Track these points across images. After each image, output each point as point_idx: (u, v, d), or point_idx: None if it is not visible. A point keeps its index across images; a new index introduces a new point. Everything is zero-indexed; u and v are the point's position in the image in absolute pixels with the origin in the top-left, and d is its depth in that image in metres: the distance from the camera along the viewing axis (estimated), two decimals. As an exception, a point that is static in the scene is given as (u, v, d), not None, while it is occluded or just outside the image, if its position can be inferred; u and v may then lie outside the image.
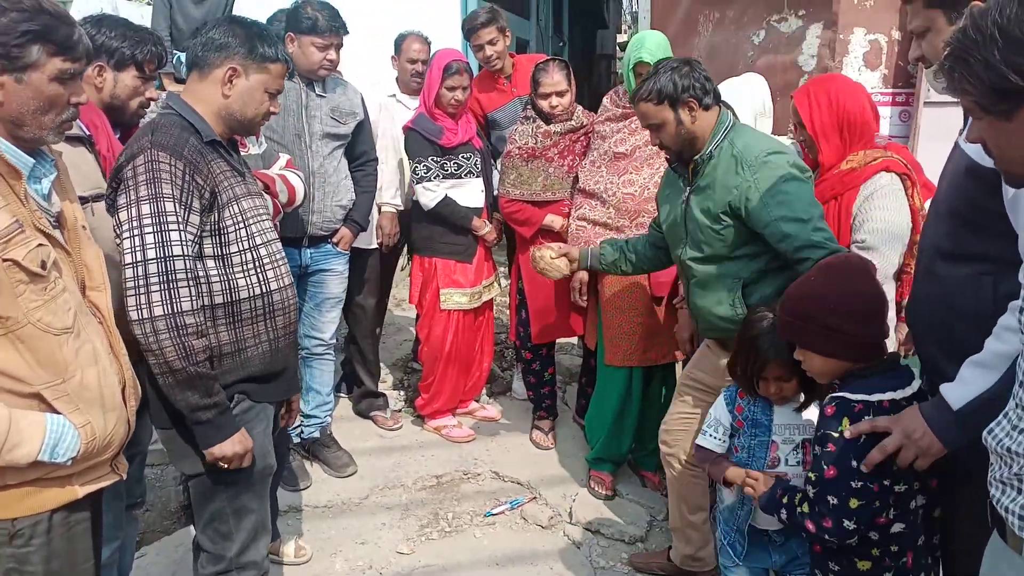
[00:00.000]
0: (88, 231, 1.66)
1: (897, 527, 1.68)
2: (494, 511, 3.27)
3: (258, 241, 1.94)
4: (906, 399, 1.67)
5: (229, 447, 1.83)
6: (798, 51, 4.05)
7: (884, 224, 2.34)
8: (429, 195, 3.67)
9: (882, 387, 1.68)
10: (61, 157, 1.63)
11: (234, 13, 4.53)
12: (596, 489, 3.38)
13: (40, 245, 1.43)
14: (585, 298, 3.40)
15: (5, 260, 1.37)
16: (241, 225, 1.90)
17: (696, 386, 2.61)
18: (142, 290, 1.72)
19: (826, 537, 1.67)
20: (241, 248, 1.90)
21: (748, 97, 2.95)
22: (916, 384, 1.72)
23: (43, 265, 1.42)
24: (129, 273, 1.74)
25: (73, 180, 1.70)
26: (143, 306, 1.72)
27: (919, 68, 3.56)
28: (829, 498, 1.64)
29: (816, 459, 1.69)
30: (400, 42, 4.10)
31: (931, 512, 1.76)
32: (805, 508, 1.71)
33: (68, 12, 1.55)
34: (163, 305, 1.73)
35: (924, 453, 1.57)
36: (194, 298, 1.78)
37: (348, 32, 3.32)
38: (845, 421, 1.64)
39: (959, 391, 1.53)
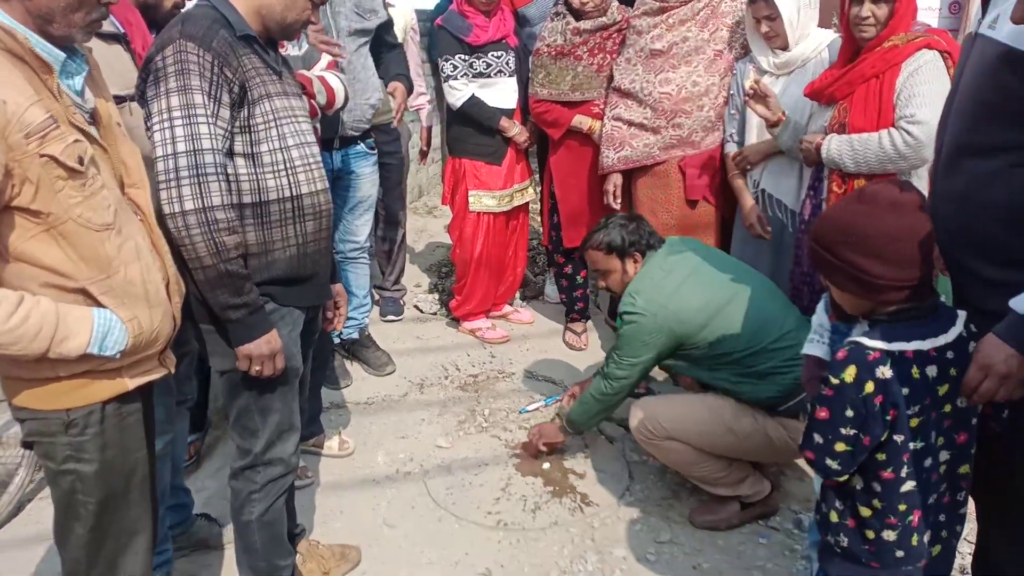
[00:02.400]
0: (123, 128, 1.66)
1: (907, 485, 1.53)
2: (529, 408, 3.36)
3: (290, 142, 1.89)
4: (937, 349, 1.51)
5: (255, 348, 1.84)
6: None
7: (932, 98, 2.33)
8: (456, 94, 3.63)
9: (909, 335, 1.50)
10: (91, 53, 1.61)
11: None
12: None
13: (76, 141, 1.41)
14: (619, 201, 3.38)
15: (42, 156, 1.36)
16: (272, 124, 1.86)
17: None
18: (172, 184, 1.71)
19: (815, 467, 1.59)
20: (272, 148, 1.85)
21: None
22: (954, 332, 1.54)
23: (80, 161, 1.41)
24: (160, 167, 1.72)
25: (108, 79, 1.68)
26: (174, 200, 1.71)
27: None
28: (815, 435, 1.55)
29: (816, 397, 1.57)
30: None
31: (956, 469, 1.59)
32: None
33: None
34: (193, 200, 1.71)
35: (1010, 380, 1.48)
36: (225, 193, 1.76)
37: None
38: (851, 369, 1.49)
39: None
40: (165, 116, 1.72)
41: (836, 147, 2.49)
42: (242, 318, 1.82)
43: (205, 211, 1.72)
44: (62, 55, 1.46)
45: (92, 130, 1.50)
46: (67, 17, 1.42)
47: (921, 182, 2.35)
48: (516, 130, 3.75)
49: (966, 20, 3.96)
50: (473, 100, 3.64)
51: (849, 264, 1.53)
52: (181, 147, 1.71)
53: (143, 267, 1.57)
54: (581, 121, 3.48)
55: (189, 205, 1.71)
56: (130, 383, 1.60)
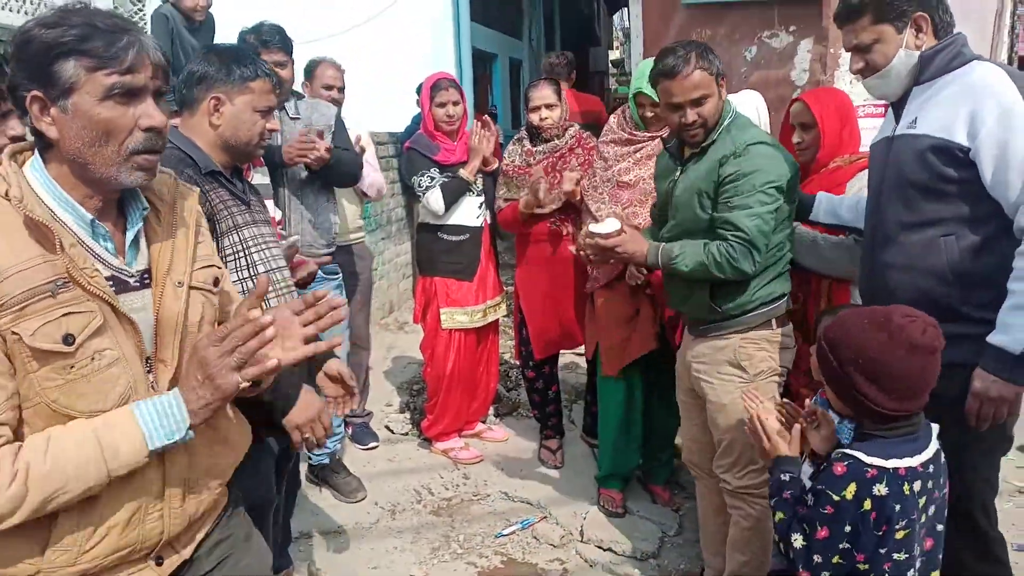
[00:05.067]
0: (183, 290, 1.39)
1: None
2: (505, 532, 3.27)
3: (261, 269, 1.93)
4: (923, 464, 1.56)
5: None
6: (790, 66, 4.11)
7: None
8: (437, 201, 3.67)
9: (901, 451, 1.55)
10: (190, 197, 1.47)
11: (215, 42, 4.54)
12: (606, 507, 3.38)
13: (69, 314, 1.20)
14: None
15: (14, 333, 1.17)
16: (242, 253, 1.89)
17: (682, 397, 2.68)
18: None
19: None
20: (241, 277, 1.89)
21: (747, 111, 3.00)
22: (934, 446, 1.61)
23: (68, 339, 1.19)
24: None
25: None
26: None
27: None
28: (815, 556, 1.57)
29: (811, 513, 1.58)
30: (312, 68, 3.86)
31: (928, 574, 1.65)
32: (797, 543, 1.60)
33: (126, 19, 1.32)
34: None
35: (1004, 401, 1.88)
36: None
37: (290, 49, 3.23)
38: (852, 487, 1.52)
39: (1013, 337, 1.84)
40: None
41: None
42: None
43: None
44: (87, 216, 1.27)
45: (115, 298, 1.26)
46: (98, 154, 1.22)
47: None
48: (475, 163, 3.69)
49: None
50: (444, 183, 3.67)
51: (853, 384, 1.57)
52: None
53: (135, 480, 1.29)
54: (540, 185, 3.43)
55: None
56: None
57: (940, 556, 1.67)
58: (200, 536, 1.45)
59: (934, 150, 1.94)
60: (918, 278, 2.01)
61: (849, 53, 2.13)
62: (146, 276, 1.35)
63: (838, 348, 1.60)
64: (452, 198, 3.69)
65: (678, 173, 2.46)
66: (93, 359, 1.23)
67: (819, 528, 1.55)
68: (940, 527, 1.65)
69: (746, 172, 2.24)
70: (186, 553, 1.41)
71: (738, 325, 2.39)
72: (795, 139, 2.63)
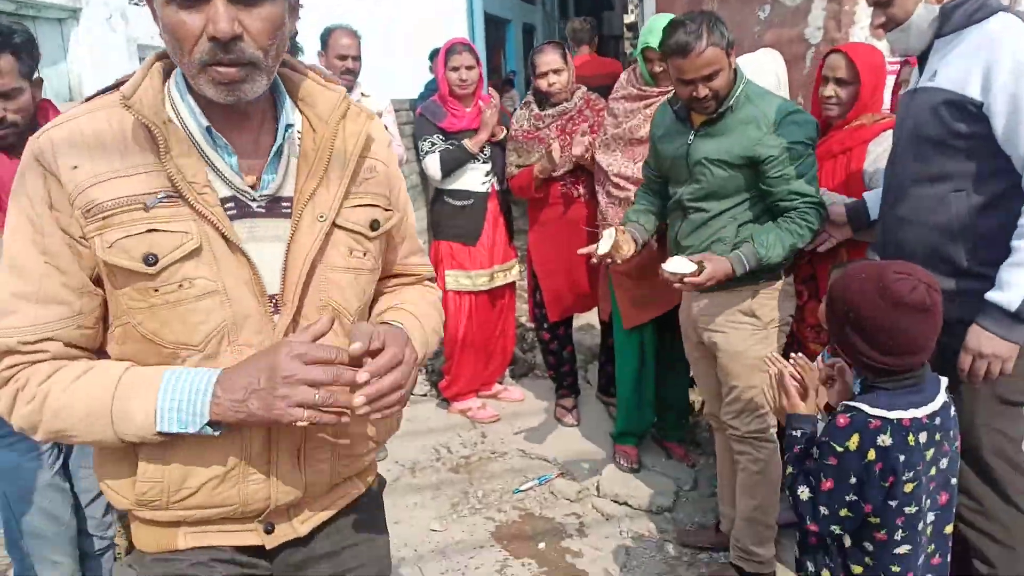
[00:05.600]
0: (324, 225, 1.19)
1: (903, 548, 1.58)
2: (522, 487, 3.35)
3: None
4: (928, 416, 1.56)
5: None
6: (804, 24, 4.07)
7: None
8: (434, 166, 3.75)
9: (906, 403, 1.55)
10: (359, 121, 1.26)
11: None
12: (622, 463, 3.45)
13: (154, 231, 1.07)
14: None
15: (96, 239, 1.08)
16: None
17: (693, 354, 2.73)
18: None
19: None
20: None
21: (766, 73, 3.00)
22: (940, 399, 1.60)
23: (148, 259, 1.07)
24: None
25: None
26: None
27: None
28: (821, 508, 1.58)
29: (816, 465, 1.59)
30: (326, 37, 3.83)
31: (941, 530, 1.65)
32: (804, 495, 1.61)
33: None
34: None
35: (997, 358, 1.89)
36: None
37: None
38: (855, 438, 1.53)
39: (1011, 294, 1.85)
40: None
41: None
42: None
43: None
44: (203, 122, 1.13)
45: (225, 221, 1.11)
46: (181, 64, 1.09)
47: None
48: (484, 133, 3.75)
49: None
50: (444, 150, 3.73)
51: (848, 338, 1.59)
52: None
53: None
54: (554, 149, 3.45)
55: None
56: (182, 540, 1.21)
57: (955, 511, 1.66)
58: (323, 517, 1.30)
59: (947, 104, 1.94)
60: (927, 233, 2.02)
61: (870, 9, 2.12)
62: (285, 204, 1.18)
63: (835, 301, 1.62)
64: (450, 166, 3.74)
65: (691, 137, 2.48)
66: (181, 286, 1.09)
67: (824, 480, 1.56)
68: (954, 480, 1.65)
69: (795, 141, 2.33)
70: (302, 529, 1.27)
71: (754, 281, 2.44)
72: (827, 92, 2.59)
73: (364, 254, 1.25)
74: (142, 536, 1.23)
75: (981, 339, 1.90)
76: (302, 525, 1.27)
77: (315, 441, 1.22)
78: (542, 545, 2.95)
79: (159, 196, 1.08)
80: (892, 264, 1.59)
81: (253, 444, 1.17)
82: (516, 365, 4.63)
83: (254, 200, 1.16)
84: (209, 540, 1.21)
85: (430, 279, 1.51)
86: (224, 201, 1.13)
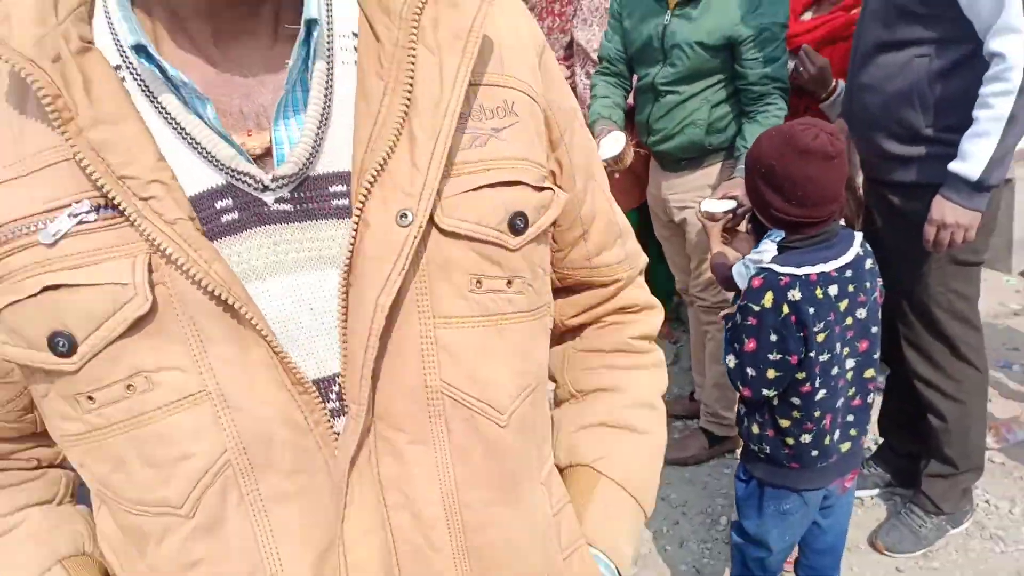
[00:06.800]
0: (412, 230, 0.58)
1: (820, 394, 1.67)
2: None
3: None
4: (837, 269, 1.64)
5: None
6: None
7: None
8: None
9: (814, 259, 1.63)
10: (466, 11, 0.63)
11: None
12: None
13: (56, 288, 0.54)
14: None
15: None
16: None
17: (663, 233, 2.82)
18: None
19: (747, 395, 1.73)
20: None
21: None
22: (852, 252, 1.68)
23: (57, 344, 0.55)
24: None
25: None
26: None
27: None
28: (748, 369, 1.65)
29: (735, 328, 1.67)
30: None
31: (861, 374, 1.75)
32: (731, 362, 1.70)
33: None
34: None
35: (960, 227, 1.94)
36: None
37: None
38: (769, 295, 1.60)
39: (971, 164, 1.89)
40: None
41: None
42: None
43: None
44: (127, 40, 0.56)
45: (200, 242, 0.55)
46: None
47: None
48: None
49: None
50: None
51: (763, 197, 1.67)
52: None
53: None
54: None
55: None
56: None
57: (876, 356, 1.78)
58: None
59: None
60: (888, 99, 2.06)
61: None
62: (329, 189, 0.60)
63: (750, 160, 1.70)
64: None
65: (667, 18, 2.47)
66: (131, 387, 0.56)
67: (747, 341, 1.65)
68: (875, 329, 1.75)
69: (768, 24, 2.33)
70: None
71: (720, 158, 2.52)
72: None
73: (508, 283, 0.63)
74: None
75: (945, 209, 1.95)
76: None
77: None
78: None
79: (74, 213, 0.54)
80: (797, 121, 1.67)
81: None
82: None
83: (267, 189, 0.58)
84: None
85: (637, 285, 0.88)
86: (202, 201, 0.57)
